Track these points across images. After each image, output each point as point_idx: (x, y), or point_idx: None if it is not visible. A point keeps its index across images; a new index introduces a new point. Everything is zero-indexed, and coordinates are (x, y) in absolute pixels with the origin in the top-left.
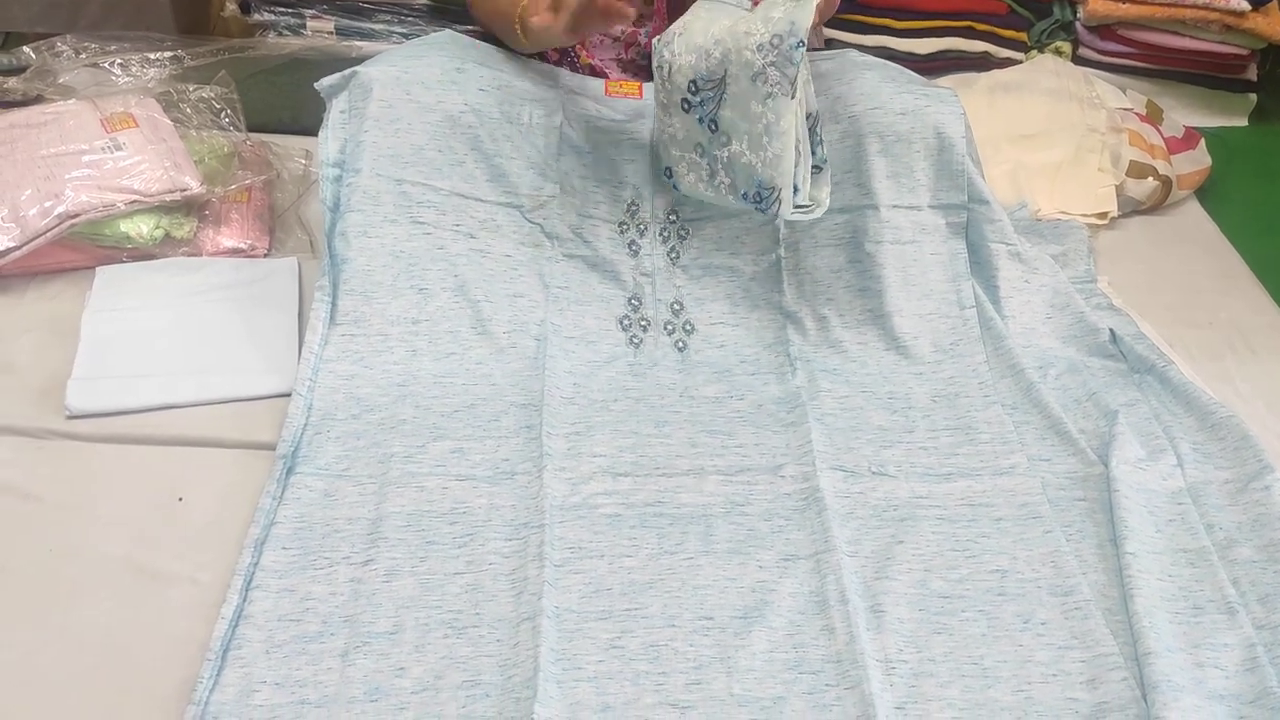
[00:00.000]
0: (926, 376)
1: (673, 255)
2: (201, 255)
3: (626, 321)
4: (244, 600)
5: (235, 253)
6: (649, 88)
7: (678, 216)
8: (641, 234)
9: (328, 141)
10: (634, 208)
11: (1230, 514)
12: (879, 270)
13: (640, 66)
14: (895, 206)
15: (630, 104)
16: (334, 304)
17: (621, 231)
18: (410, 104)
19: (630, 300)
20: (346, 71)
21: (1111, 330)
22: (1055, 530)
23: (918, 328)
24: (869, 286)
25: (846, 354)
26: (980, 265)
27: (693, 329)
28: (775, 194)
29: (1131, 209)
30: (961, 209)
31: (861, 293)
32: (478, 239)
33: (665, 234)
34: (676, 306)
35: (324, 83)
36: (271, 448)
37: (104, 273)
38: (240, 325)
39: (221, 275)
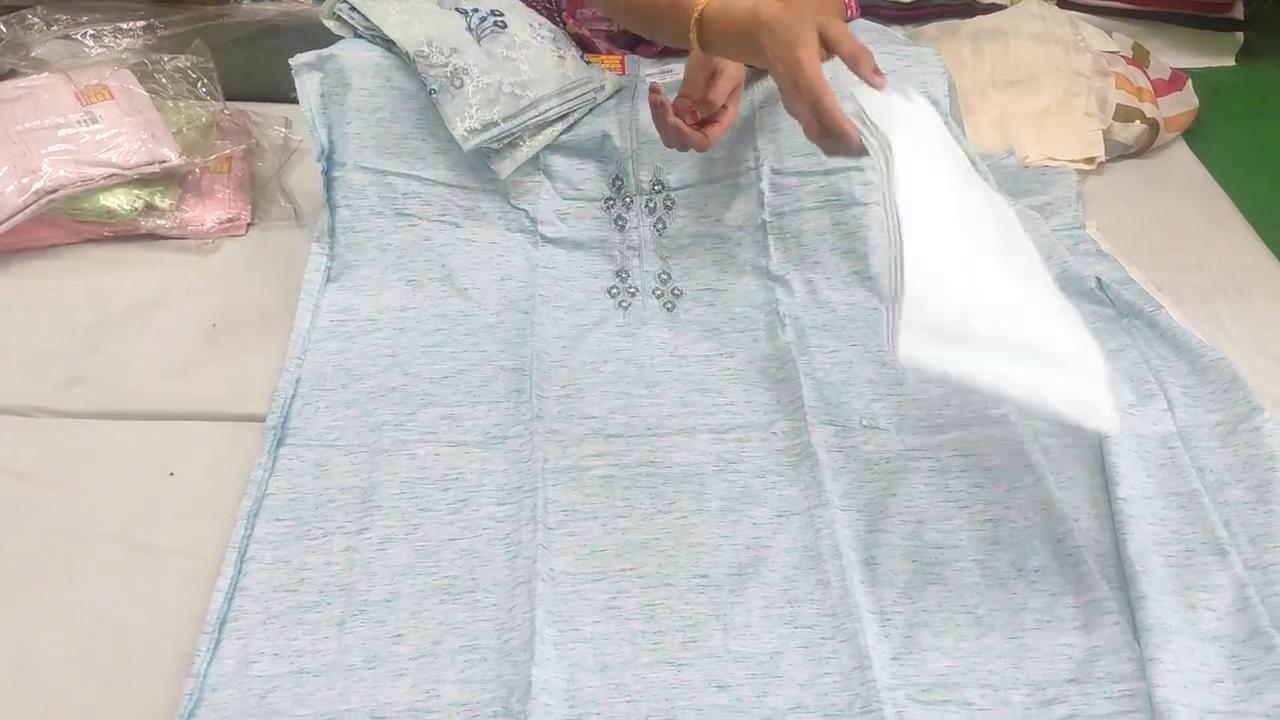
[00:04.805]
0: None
1: (659, 226)
2: (186, 227)
3: (615, 290)
4: (239, 572)
5: (222, 224)
6: (631, 61)
7: (662, 186)
8: (627, 208)
9: (316, 130)
10: (618, 182)
11: (1221, 456)
12: (864, 232)
13: (630, 39)
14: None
15: (612, 78)
16: (323, 296)
17: (607, 208)
18: (391, 91)
19: (618, 273)
20: (323, 52)
21: (1098, 278)
22: (1047, 478)
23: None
24: (855, 248)
25: (835, 313)
26: None
27: (681, 293)
28: None
29: (1119, 153)
30: None
31: (848, 255)
32: (463, 228)
33: (651, 205)
34: (664, 276)
35: (299, 59)
36: (261, 419)
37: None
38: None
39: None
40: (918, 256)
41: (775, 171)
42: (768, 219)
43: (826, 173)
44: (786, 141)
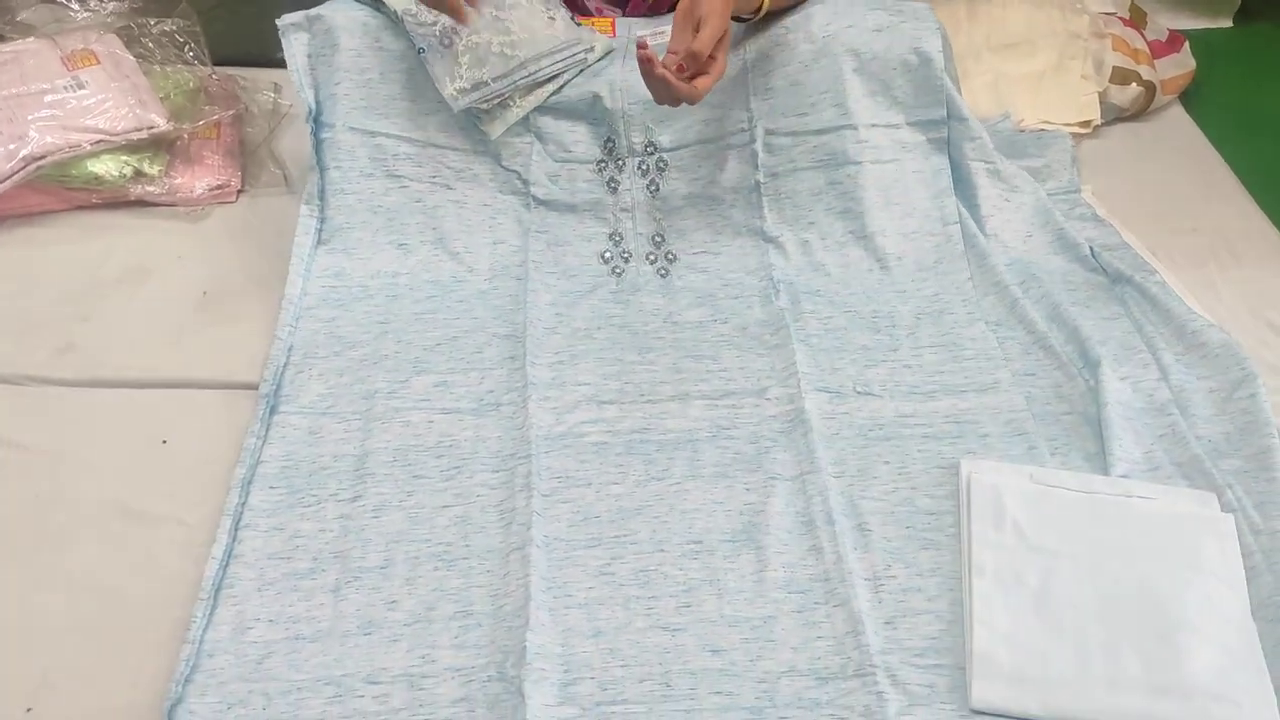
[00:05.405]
0: (910, 294)
1: (652, 188)
2: (176, 193)
3: (608, 255)
4: (233, 540)
5: (212, 190)
6: (622, 23)
7: (655, 148)
8: (620, 170)
9: (303, 90)
10: (610, 144)
11: (1218, 424)
12: (859, 191)
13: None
14: (874, 125)
15: (602, 40)
16: (314, 260)
17: (600, 170)
18: (380, 53)
19: (611, 236)
20: (310, 12)
21: (1091, 245)
22: (1040, 446)
23: (901, 247)
24: (850, 208)
25: (830, 276)
26: (960, 184)
27: (675, 258)
28: None
29: (1114, 116)
30: (941, 124)
31: (843, 214)
32: (455, 190)
33: (644, 167)
34: (658, 239)
35: (286, 20)
36: (253, 387)
37: (991, 491)
38: (1187, 609)
39: (1149, 522)
40: (983, 619)
41: (769, 132)
42: (762, 180)
43: (820, 132)
44: (780, 102)
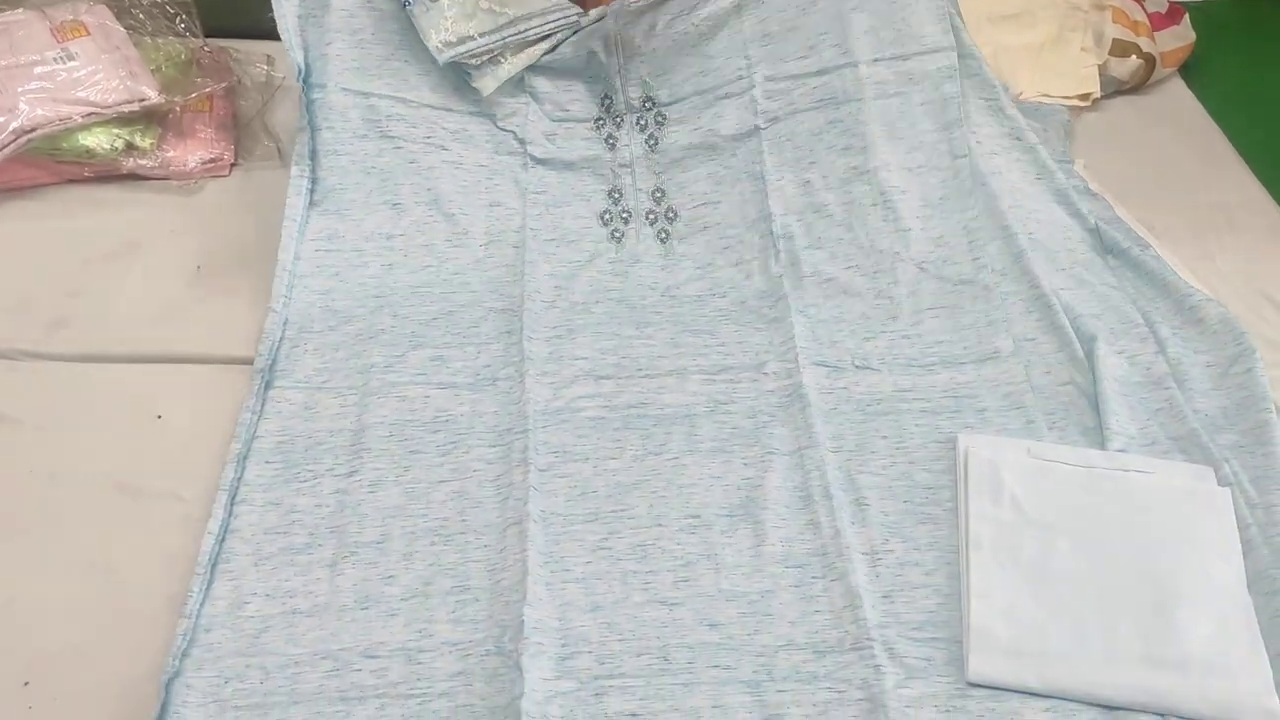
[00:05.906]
0: (915, 234)
1: (651, 142)
2: (168, 167)
3: (607, 216)
4: (229, 515)
5: (205, 164)
6: None
7: (653, 103)
8: (618, 126)
9: (293, 50)
10: (607, 100)
11: (1215, 398)
12: (861, 127)
13: None
14: (877, 60)
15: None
16: (307, 221)
17: (598, 128)
18: (372, 13)
19: (610, 194)
20: None
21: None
22: (1038, 420)
23: (906, 181)
24: (851, 144)
25: (832, 216)
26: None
27: (675, 215)
28: None
29: (1114, 89)
30: (950, 51)
31: (844, 151)
32: (450, 150)
33: (642, 122)
34: (658, 194)
35: None
36: (248, 362)
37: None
38: (1183, 582)
39: (1146, 497)
40: (980, 593)
41: (768, 78)
42: (761, 125)
43: (820, 73)
44: (779, 47)
